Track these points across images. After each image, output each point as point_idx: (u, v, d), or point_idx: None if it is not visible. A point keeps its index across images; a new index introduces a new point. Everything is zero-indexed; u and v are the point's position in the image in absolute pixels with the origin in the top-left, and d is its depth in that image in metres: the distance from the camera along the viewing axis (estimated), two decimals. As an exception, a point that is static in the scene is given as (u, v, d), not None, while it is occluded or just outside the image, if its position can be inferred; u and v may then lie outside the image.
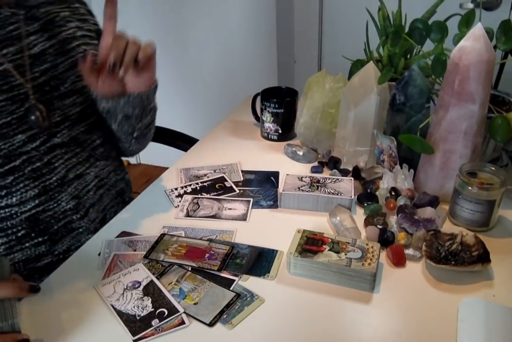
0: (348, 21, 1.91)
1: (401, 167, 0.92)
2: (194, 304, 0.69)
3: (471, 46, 0.77)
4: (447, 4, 1.04)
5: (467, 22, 0.89)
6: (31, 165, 0.80)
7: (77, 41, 0.87)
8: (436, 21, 0.91)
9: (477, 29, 0.77)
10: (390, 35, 0.95)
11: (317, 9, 1.95)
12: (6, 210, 0.80)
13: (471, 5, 1.67)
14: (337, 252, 0.73)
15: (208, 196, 0.95)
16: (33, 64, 0.78)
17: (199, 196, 0.94)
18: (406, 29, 0.93)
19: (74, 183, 0.89)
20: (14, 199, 0.79)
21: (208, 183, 0.99)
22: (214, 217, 0.89)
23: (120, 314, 0.67)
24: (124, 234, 0.85)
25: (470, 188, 0.80)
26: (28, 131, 0.78)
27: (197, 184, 0.98)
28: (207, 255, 0.78)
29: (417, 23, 0.92)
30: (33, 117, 0.76)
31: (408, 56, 1.04)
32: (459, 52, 0.79)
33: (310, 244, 0.75)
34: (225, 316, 0.67)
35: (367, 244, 0.74)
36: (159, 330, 0.65)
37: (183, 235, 0.83)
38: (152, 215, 0.90)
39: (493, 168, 0.83)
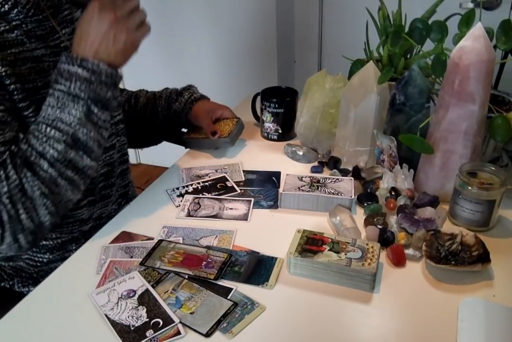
0: (348, 21, 1.91)
1: (401, 167, 0.92)
2: (191, 313, 0.67)
3: (471, 46, 0.77)
4: (447, 4, 1.04)
5: (467, 22, 0.89)
6: None
7: None
8: (436, 21, 0.91)
9: (477, 29, 0.78)
10: (390, 35, 0.95)
11: (317, 9, 1.95)
12: None
13: (471, 5, 1.67)
14: (337, 252, 0.73)
15: (209, 195, 0.95)
16: None
17: (200, 195, 0.95)
18: (406, 29, 0.93)
19: (109, 152, 0.99)
20: None
21: (209, 182, 0.99)
22: (215, 216, 0.89)
23: (114, 324, 0.66)
24: (124, 233, 0.85)
25: (470, 188, 0.80)
26: None
27: (199, 183, 0.99)
28: (204, 263, 0.76)
29: (417, 23, 0.92)
30: None
31: (408, 56, 1.04)
32: (459, 52, 0.79)
33: (310, 244, 0.75)
34: (225, 324, 0.66)
35: (367, 244, 0.74)
36: (154, 341, 0.63)
37: (181, 241, 0.82)
38: (153, 215, 0.90)
39: (493, 168, 0.83)
